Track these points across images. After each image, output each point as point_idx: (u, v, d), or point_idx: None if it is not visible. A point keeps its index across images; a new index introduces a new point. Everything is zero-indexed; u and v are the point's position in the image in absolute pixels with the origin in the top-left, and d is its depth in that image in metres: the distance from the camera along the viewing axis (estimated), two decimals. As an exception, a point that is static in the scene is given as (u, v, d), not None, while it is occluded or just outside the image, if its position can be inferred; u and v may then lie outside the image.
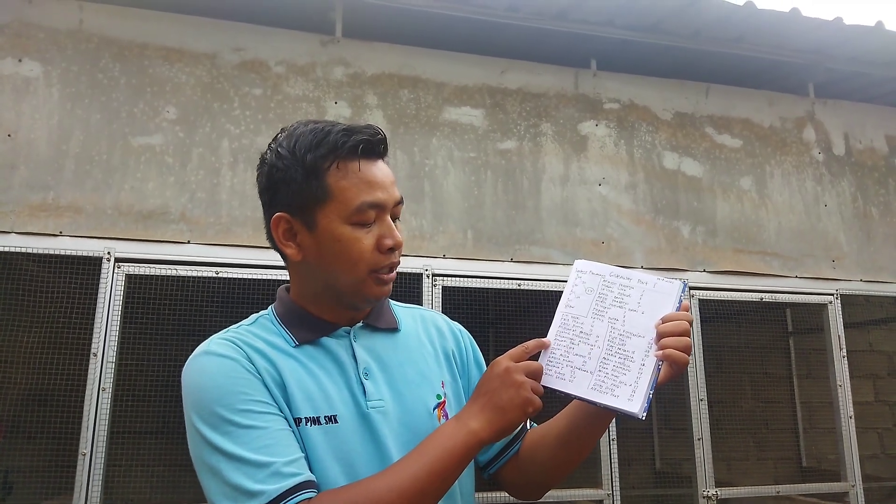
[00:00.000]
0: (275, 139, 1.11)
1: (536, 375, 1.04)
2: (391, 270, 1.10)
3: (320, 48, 3.18)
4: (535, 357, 1.08)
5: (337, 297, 1.10)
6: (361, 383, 1.08)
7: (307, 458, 1.00)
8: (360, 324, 1.15)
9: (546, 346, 1.08)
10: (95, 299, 2.68)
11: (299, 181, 1.04)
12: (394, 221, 1.09)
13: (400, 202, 1.10)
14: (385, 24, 3.36)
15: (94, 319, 2.66)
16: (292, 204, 1.06)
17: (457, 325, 1.30)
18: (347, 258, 1.05)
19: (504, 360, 1.04)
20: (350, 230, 1.04)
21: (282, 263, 1.16)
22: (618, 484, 3.05)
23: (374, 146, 1.07)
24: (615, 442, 3.07)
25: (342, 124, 1.07)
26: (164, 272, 2.76)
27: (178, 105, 2.96)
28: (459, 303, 3.06)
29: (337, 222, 1.04)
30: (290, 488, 0.93)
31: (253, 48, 3.10)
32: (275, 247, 1.12)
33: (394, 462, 1.03)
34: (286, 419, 1.01)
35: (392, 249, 1.07)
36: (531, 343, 1.08)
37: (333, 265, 1.06)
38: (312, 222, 1.05)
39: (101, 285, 2.68)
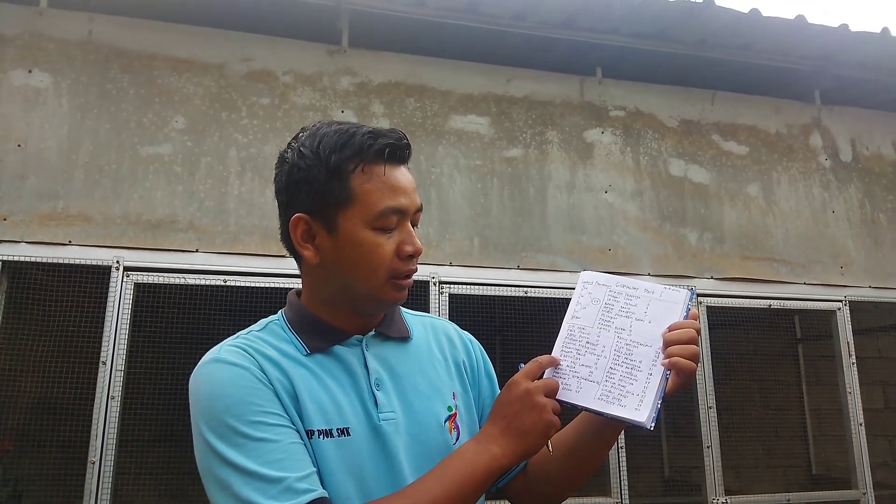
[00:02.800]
0: (296, 138, 1.08)
1: (554, 393, 1.02)
2: (408, 277, 1.08)
3: (327, 58, 3.21)
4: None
5: (352, 302, 1.08)
6: (373, 394, 1.06)
7: (319, 473, 0.97)
8: (373, 332, 1.12)
9: (557, 364, 1.06)
10: (104, 308, 2.69)
11: (322, 182, 1.02)
12: (412, 228, 1.07)
13: (420, 209, 1.08)
14: (391, 33, 3.38)
15: (102, 328, 2.67)
16: (313, 205, 1.03)
17: (467, 335, 1.27)
18: (368, 263, 1.03)
19: (522, 381, 1.02)
20: (372, 235, 1.02)
21: (290, 272, 1.15)
22: (627, 492, 3.03)
23: (399, 151, 1.05)
24: (623, 450, 3.06)
25: (367, 126, 1.05)
26: (172, 281, 2.78)
27: (187, 115, 2.98)
28: (466, 310, 3.06)
29: (359, 226, 1.02)
30: None
31: (260, 58, 3.12)
32: (290, 248, 1.09)
33: (405, 477, 1.01)
34: (298, 432, 0.98)
35: (411, 256, 1.05)
36: (544, 358, 1.06)
37: (352, 270, 1.04)
38: (333, 225, 1.03)
39: (109, 294, 2.70)
